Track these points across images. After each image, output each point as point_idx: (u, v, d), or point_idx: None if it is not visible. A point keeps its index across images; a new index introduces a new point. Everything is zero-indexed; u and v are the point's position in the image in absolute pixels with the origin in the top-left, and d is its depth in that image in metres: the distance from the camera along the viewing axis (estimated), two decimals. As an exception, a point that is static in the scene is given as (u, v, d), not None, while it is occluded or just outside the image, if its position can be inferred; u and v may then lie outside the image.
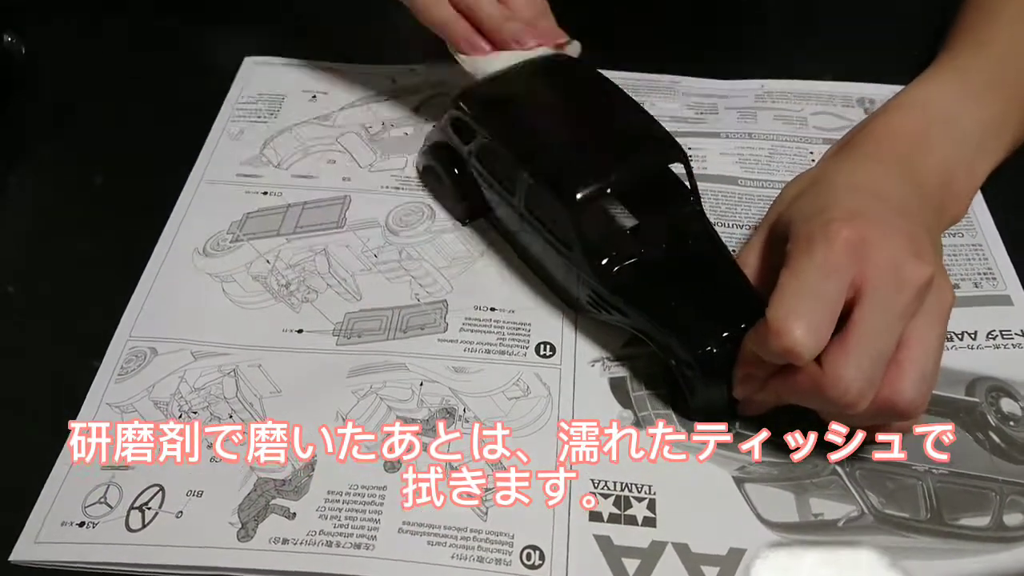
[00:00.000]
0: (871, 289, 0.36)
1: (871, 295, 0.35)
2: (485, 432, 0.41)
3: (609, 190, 0.42)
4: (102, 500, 0.39)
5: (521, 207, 0.45)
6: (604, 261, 0.42)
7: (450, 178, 0.49)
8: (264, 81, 0.60)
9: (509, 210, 0.46)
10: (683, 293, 0.42)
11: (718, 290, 0.42)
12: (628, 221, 0.47)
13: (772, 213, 0.44)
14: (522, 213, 0.45)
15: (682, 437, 0.41)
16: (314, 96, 0.58)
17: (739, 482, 0.39)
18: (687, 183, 0.45)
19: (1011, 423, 0.42)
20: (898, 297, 0.36)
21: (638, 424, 0.41)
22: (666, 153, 0.44)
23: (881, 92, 0.57)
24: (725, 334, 0.39)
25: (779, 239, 0.41)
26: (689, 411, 0.41)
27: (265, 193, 0.52)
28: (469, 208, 0.50)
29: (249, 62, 0.61)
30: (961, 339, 0.45)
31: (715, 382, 0.40)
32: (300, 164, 0.54)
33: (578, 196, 0.41)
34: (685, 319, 0.40)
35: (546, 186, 0.43)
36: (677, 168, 0.45)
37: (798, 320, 0.34)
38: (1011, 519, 0.39)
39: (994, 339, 0.45)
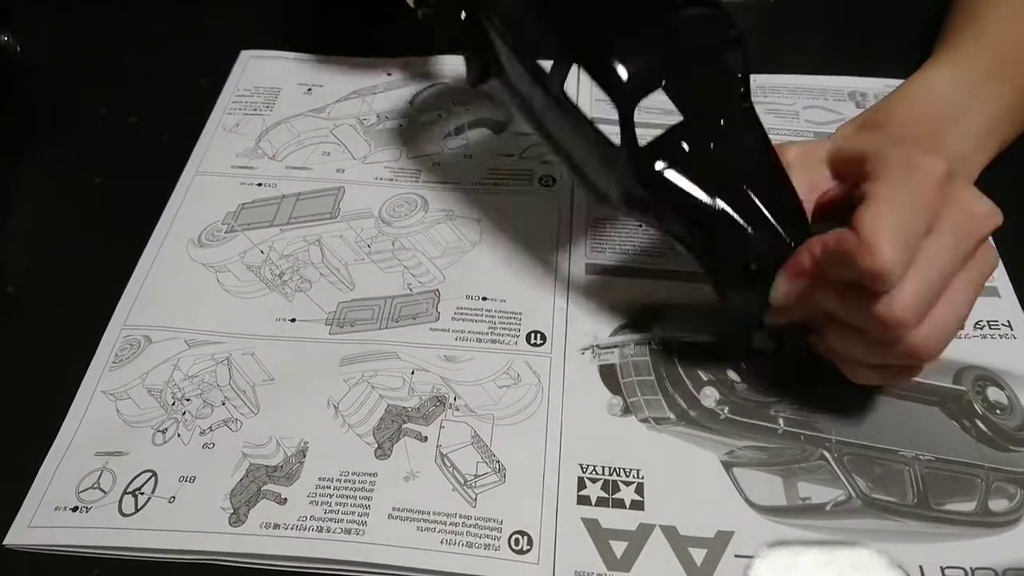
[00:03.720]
0: (946, 226, 0.36)
1: (944, 231, 0.36)
2: (475, 420, 0.41)
3: (664, 81, 0.38)
4: (95, 485, 0.40)
5: (558, 91, 0.39)
6: (647, 159, 0.38)
7: (467, 35, 0.43)
8: (260, 74, 0.60)
9: (538, 90, 0.41)
10: (727, 199, 0.38)
11: (763, 199, 0.39)
12: (675, 116, 0.40)
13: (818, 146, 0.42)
14: (558, 98, 0.40)
15: (671, 421, 0.41)
16: (309, 89, 0.59)
17: (727, 466, 0.40)
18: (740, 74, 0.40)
19: (997, 411, 0.42)
20: (965, 240, 0.36)
21: (627, 410, 0.42)
22: (725, 37, 0.39)
23: (872, 86, 0.58)
24: (766, 246, 0.38)
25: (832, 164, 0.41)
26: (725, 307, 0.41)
27: (260, 184, 0.53)
28: (482, 69, 0.45)
29: (246, 55, 0.61)
30: (949, 328, 0.45)
31: (751, 292, 0.39)
32: (295, 156, 0.54)
33: (630, 89, 0.37)
34: (727, 228, 0.38)
35: (596, 73, 0.38)
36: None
37: (894, 245, 0.34)
38: (996, 505, 0.39)
39: (982, 329, 0.45)
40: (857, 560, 0.37)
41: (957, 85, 0.47)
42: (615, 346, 0.44)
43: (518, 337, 0.45)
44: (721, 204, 0.38)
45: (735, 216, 0.38)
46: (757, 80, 0.59)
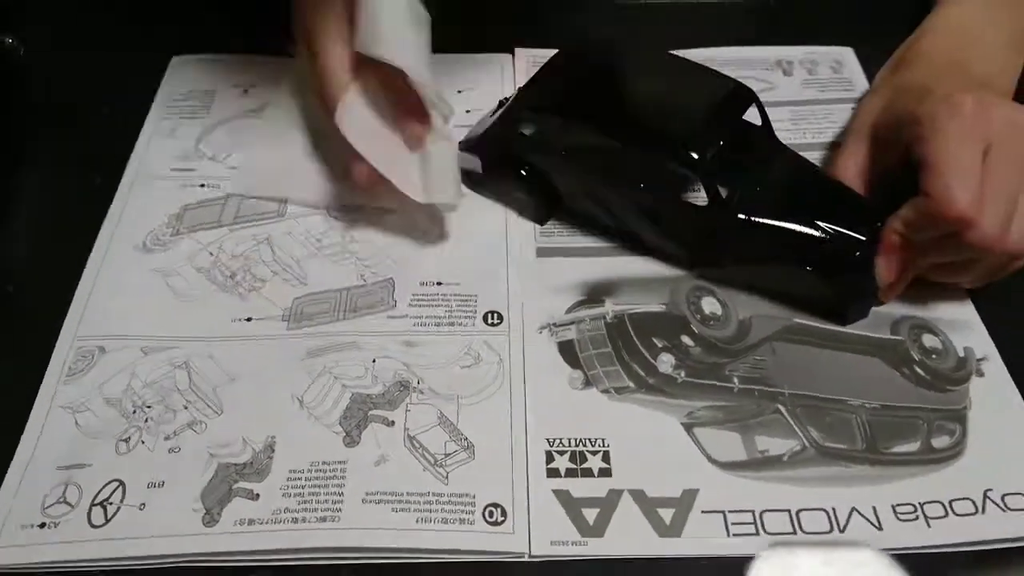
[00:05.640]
0: (998, 143, 0.40)
1: (999, 148, 0.40)
2: (440, 401, 0.42)
3: (723, 142, 0.44)
4: (61, 500, 0.39)
5: (634, 186, 0.46)
6: (733, 207, 0.44)
7: (527, 184, 0.49)
8: (193, 78, 0.59)
9: (611, 193, 0.47)
10: (809, 211, 0.44)
11: (833, 199, 0.46)
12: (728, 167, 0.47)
13: (860, 124, 0.49)
14: (637, 191, 0.46)
15: (631, 389, 0.43)
16: (245, 90, 0.58)
17: (688, 427, 0.41)
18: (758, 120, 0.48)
19: (933, 356, 0.44)
20: (1017, 148, 0.40)
21: (588, 382, 0.43)
22: (747, 96, 0.47)
23: (796, 54, 0.60)
24: (863, 237, 0.43)
25: (880, 139, 0.47)
26: (844, 318, 0.45)
27: (202, 185, 0.52)
28: (547, 208, 0.50)
29: (176, 60, 0.61)
30: (884, 281, 0.47)
31: (869, 277, 0.44)
32: (236, 156, 0.54)
33: (708, 156, 0.43)
34: (825, 231, 0.43)
35: (667, 155, 0.44)
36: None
37: (960, 187, 0.39)
38: (938, 442, 0.41)
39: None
40: (857, 560, 0.38)
41: (972, 15, 0.51)
42: (571, 322, 0.45)
43: (475, 318, 0.46)
44: (805, 216, 0.44)
45: (823, 220, 0.44)
46: (688, 55, 0.61)
